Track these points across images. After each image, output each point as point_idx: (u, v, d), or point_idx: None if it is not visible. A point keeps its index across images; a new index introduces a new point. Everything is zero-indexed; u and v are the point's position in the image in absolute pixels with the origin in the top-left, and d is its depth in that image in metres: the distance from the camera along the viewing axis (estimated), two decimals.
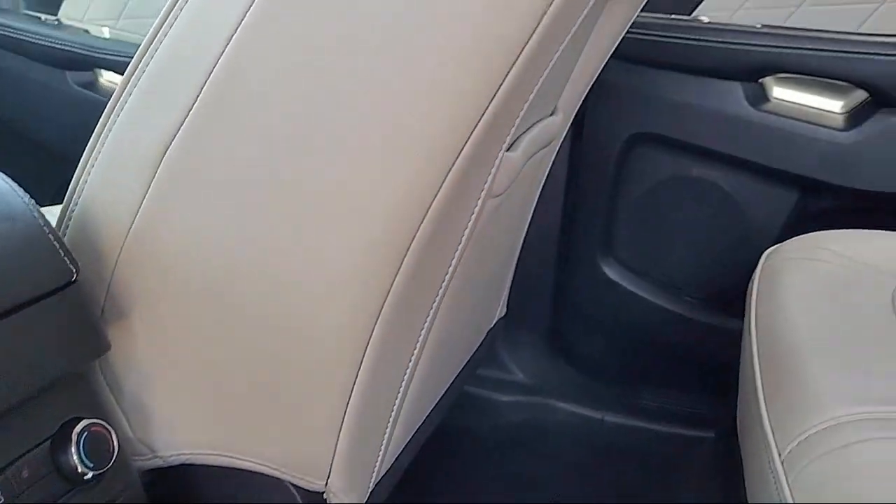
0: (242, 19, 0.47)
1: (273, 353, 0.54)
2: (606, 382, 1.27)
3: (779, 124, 1.04)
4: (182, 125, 0.50)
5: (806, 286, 0.79)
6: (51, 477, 0.48)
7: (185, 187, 0.51)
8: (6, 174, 0.51)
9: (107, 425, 0.51)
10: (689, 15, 1.14)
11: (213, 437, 0.59)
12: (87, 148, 0.53)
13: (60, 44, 1.36)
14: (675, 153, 1.12)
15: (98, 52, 1.36)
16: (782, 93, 1.05)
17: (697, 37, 1.06)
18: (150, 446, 0.59)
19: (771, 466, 0.58)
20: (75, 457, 0.48)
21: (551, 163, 0.93)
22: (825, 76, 1.02)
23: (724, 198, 1.11)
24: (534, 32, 0.46)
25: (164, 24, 0.50)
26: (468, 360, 0.92)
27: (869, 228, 0.91)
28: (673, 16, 1.11)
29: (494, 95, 0.47)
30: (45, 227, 0.48)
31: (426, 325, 0.62)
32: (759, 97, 1.06)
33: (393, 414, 0.66)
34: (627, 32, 0.81)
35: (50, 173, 1.51)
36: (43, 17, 1.41)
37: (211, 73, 0.48)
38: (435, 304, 0.61)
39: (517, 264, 1.01)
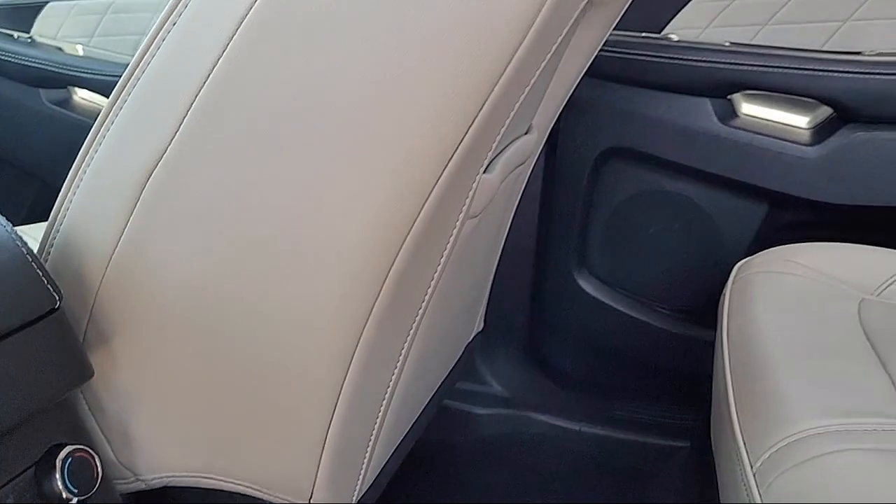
0: (228, 44, 0.47)
1: (255, 377, 0.55)
2: (583, 394, 1.29)
3: (747, 139, 1.06)
4: (165, 152, 0.50)
5: (776, 299, 0.81)
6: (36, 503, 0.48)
7: (167, 213, 0.51)
8: None
9: (90, 451, 0.51)
10: (659, 33, 1.16)
11: (195, 460, 0.59)
12: (70, 173, 0.54)
13: (34, 62, 1.35)
14: (647, 168, 1.14)
15: (72, 70, 1.36)
16: (750, 109, 1.08)
17: (668, 54, 1.08)
18: (132, 470, 0.59)
19: (743, 478, 0.60)
20: (60, 483, 0.48)
21: (527, 179, 0.95)
22: (791, 93, 1.05)
23: (696, 211, 1.14)
24: (514, 56, 0.46)
25: (148, 49, 0.50)
26: (447, 375, 0.93)
27: (835, 240, 0.93)
28: (644, 34, 1.13)
29: (473, 121, 0.48)
30: (27, 256, 0.49)
31: (406, 344, 0.63)
32: (728, 113, 1.08)
33: (375, 431, 0.67)
34: (600, 50, 0.83)
35: (23, 191, 1.51)
36: (16, 34, 1.41)
37: (195, 99, 0.49)
38: (415, 324, 0.62)
39: (494, 279, 1.02)
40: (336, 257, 0.50)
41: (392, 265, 0.50)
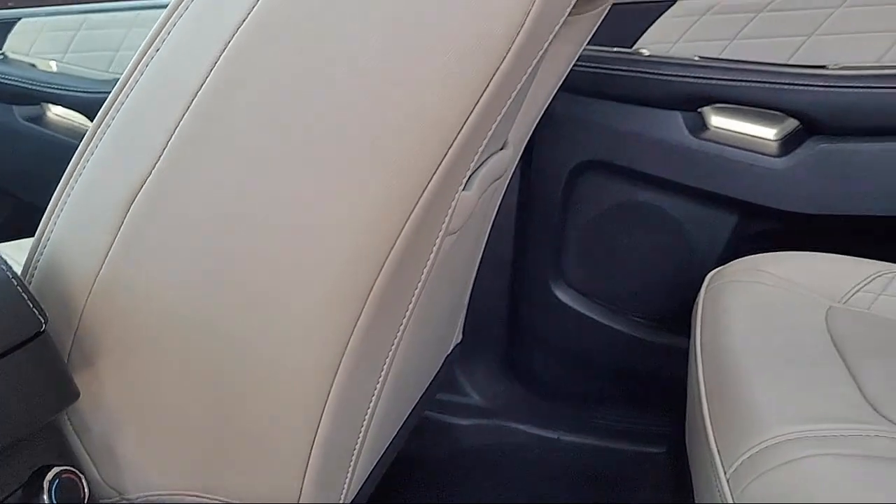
0: (211, 70, 0.48)
1: (240, 396, 0.56)
2: (561, 402, 1.30)
3: (717, 151, 1.09)
4: (150, 175, 0.51)
5: (747, 308, 0.83)
6: None
7: (151, 235, 0.52)
8: None
9: (77, 471, 0.51)
10: (631, 48, 1.19)
11: (180, 478, 0.60)
12: (54, 194, 0.54)
13: (7, 78, 1.35)
14: (620, 180, 1.16)
15: (45, 87, 1.35)
16: (720, 121, 1.11)
17: (639, 69, 1.10)
18: (117, 489, 0.59)
19: (717, 484, 0.62)
20: None
21: (503, 193, 0.96)
22: (759, 106, 1.07)
23: (668, 221, 1.16)
24: (495, 74, 0.47)
25: (134, 71, 0.51)
26: (427, 387, 0.94)
27: (803, 249, 0.96)
28: (616, 49, 1.16)
29: (455, 139, 0.49)
30: (13, 280, 0.49)
31: (388, 359, 0.64)
32: (699, 126, 1.11)
33: (358, 445, 0.68)
34: (573, 65, 0.85)
35: None
36: None
37: (179, 122, 0.49)
38: (397, 339, 0.63)
39: (472, 291, 1.04)
40: (320, 276, 0.51)
41: (375, 282, 0.52)
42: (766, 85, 1.05)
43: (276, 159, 0.49)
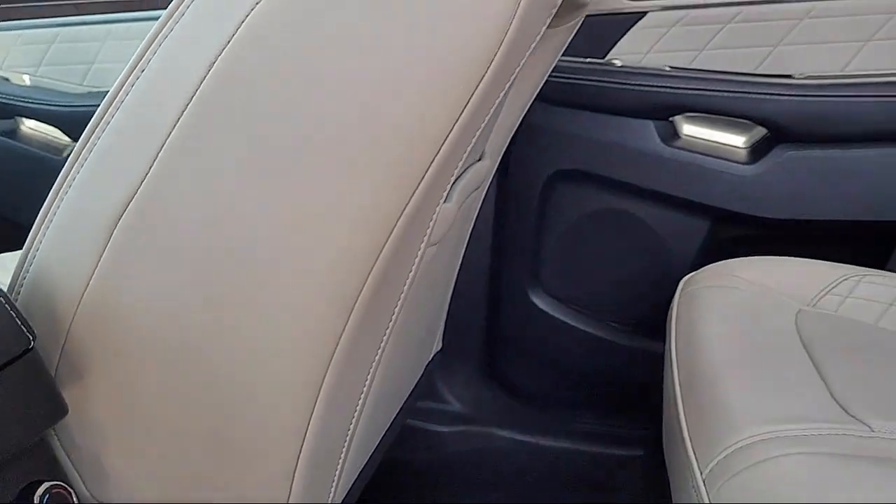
0: (199, 87, 0.49)
1: (227, 409, 0.56)
2: (540, 408, 1.32)
3: (689, 159, 1.12)
4: (137, 191, 0.51)
5: (720, 313, 0.85)
6: None
7: (138, 251, 0.53)
8: None
9: (67, 487, 0.52)
10: (603, 59, 1.21)
11: (168, 492, 0.60)
12: (41, 210, 0.55)
13: None
14: (595, 188, 1.18)
15: (19, 100, 1.35)
16: (691, 130, 1.14)
17: (612, 79, 1.13)
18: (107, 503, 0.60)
19: (694, 484, 0.64)
20: None
21: (481, 203, 0.98)
22: (728, 114, 1.10)
23: (643, 228, 1.18)
24: (476, 88, 0.49)
25: (121, 89, 0.51)
26: (409, 395, 0.95)
27: (774, 253, 0.98)
28: (589, 59, 1.18)
29: (439, 151, 0.50)
30: (0, 297, 0.50)
31: (372, 368, 0.65)
32: (671, 134, 1.13)
33: (343, 454, 0.69)
34: (548, 76, 0.87)
35: None
36: None
37: (165, 140, 0.50)
38: (380, 349, 0.65)
39: (451, 299, 1.05)
40: (306, 290, 0.52)
41: (360, 294, 0.53)
42: (735, 94, 1.08)
43: (258, 177, 0.50)
